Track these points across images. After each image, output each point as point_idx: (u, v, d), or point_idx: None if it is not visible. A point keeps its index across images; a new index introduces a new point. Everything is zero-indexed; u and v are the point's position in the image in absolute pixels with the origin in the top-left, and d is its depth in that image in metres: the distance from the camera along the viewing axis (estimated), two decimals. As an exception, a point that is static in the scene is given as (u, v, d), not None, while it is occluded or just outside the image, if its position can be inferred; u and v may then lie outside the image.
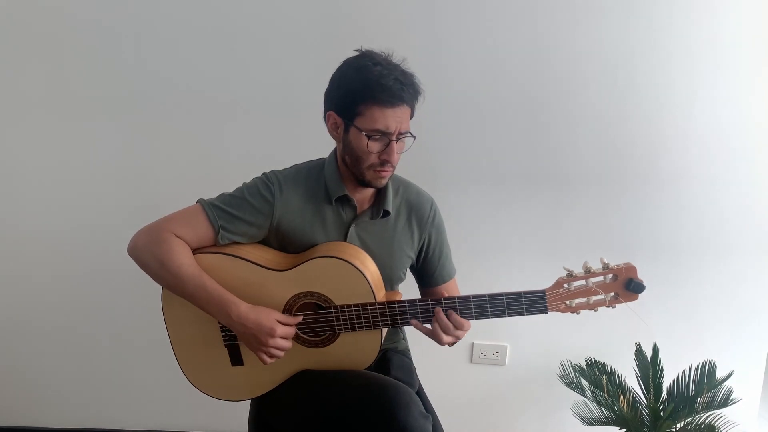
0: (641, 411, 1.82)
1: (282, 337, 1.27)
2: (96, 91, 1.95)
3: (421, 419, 1.20)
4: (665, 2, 1.82)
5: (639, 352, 1.87)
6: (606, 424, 1.84)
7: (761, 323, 2.02)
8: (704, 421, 1.74)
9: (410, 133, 1.29)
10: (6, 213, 2.05)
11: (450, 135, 1.94)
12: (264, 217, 1.32)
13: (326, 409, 1.28)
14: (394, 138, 1.25)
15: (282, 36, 1.89)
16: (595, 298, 1.29)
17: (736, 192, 1.93)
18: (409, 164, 1.46)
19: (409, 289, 1.50)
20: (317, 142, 1.48)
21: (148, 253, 1.26)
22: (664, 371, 1.83)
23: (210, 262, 1.29)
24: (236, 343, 1.35)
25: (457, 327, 1.29)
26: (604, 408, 1.83)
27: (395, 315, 1.31)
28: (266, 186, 1.33)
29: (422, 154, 1.60)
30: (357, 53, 1.29)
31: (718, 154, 1.91)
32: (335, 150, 1.38)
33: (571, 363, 1.96)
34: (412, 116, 1.30)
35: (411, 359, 1.55)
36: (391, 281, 1.43)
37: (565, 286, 1.28)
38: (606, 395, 1.82)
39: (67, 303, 2.12)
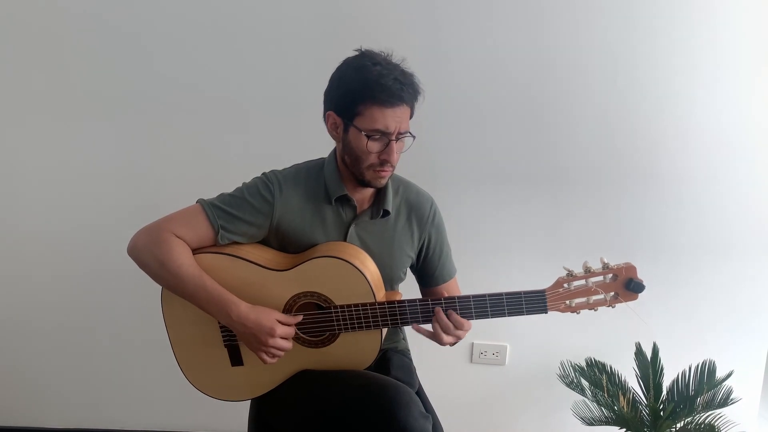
0: (641, 411, 1.82)
1: (282, 337, 1.27)
2: (96, 91, 1.95)
3: (421, 419, 1.20)
4: (666, 2, 1.82)
5: (639, 352, 1.87)
6: (606, 424, 1.84)
7: (761, 323, 2.02)
8: (704, 421, 1.74)
9: (410, 133, 1.29)
10: (6, 213, 2.05)
11: (450, 135, 1.94)
12: (264, 217, 1.32)
13: (326, 409, 1.28)
14: (393, 138, 1.25)
15: (282, 35, 1.89)
16: (595, 297, 1.29)
17: (736, 192, 1.93)
18: (409, 164, 1.46)
19: (409, 289, 1.50)
20: (317, 142, 1.48)
21: (147, 253, 1.26)
22: (664, 371, 1.83)
23: (210, 262, 1.29)
24: (236, 343, 1.35)
25: (458, 327, 1.29)
26: (604, 408, 1.83)
27: (395, 315, 1.31)
28: (266, 186, 1.33)
29: (422, 154, 1.60)
30: (356, 53, 1.29)
31: (718, 154, 1.91)
32: (335, 150, 1.38)
33: (571, 363, 1.96)
34: (411, 116, 1.30)
35: (411, 359, 1.55)
36: (391, 281, 1.43)
37: (565, 285, 1.28)
38: (606, 395, 1.82)
39: (67, 303, 2.12)
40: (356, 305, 1.30)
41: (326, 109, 1.32)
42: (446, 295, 1.35)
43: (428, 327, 1.33)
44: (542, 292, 1.28)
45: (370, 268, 1.33)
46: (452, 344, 1.33)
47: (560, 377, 1.95)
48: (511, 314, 1.29)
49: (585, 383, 1.90)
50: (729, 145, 1.90)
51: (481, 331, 2.02)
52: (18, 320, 2.14)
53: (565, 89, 1.90)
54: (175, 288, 1.28)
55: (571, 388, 1.92)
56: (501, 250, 2.02)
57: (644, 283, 1.26)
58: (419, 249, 1.45)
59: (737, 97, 1.87)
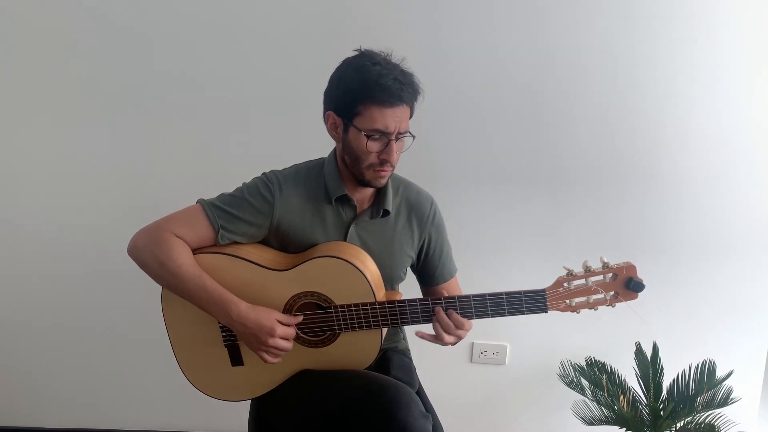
0: (641, 410, 1.82)
1: (282, 337, 1.27)
2: (96, 91, 1.95)
3: (421, 419, 1.20)
4: (665, 2, 1.82)
5: (639, 352, 1.87)
6: (606, 424, 1.84)
7: (761, 323, 2.02)
8: (704, 421, 1.74)
9: (410, 133, 1.29)
10: (6, 213, 2.05)
11: (450, 135, 1.94)
12: (264, 216, 1.32)
13: (326, 409, 1.28)
14: (393, 138, 1.25)
15: (282, 35, 1.89)
16: (595, 297, 1.29)
17: (736, 192, 1.93)
18: (409, 164, 1.46)
19: (409, 288, 1.50)
20: (317, 142, 1.48)
21: (147, 253, 1.26)
22: (664, 370, 1.83)
23: (210, 262, 1.29)
24: (236, 343, 1.35)
25: (458, 326, 1.29)
26: (604, 407, 1.83)
27: (395, 315, 1.31)
28: (266, 186, 1.33)
29: (422, 154, 1.60)
30: (356, 53, 1.29)
31: (718, 154, 1.91)
32: (335, 150, 1.38)
33: (571, 362, 1.96)
34: (411, 116, 1.30)
35: (411, 359, 1.55)
36: (391, 281, 1.43)
37: (565, 285, 1.28)
38: (606, 395, 1.82)
39: (67, 303, 2.12)
40: (356, 305, 1.30)
41: (326, 109, 1.32)
42: (447, 294, 1.35)
43: (429, 330, 1.33)
44: (542, 291, 1.28)
45: (370, 267, 1.33)
46: (454, 344, 1.33)
47: (560, 377, 1.95)
48: (511, 314, 1.29)
49: (585, 383, 1.90)
50: (729, 145, 1.90)
51: (481, 330, 2.02)
52: (18, 320, 2.14)
53: (565, 89, 1.90)
54: (175, 288, 1.28)
55: (571, 387, 1.92)
56: (501, 250, 2.02)
57: (644, 283, 1.26)
58: (419, 249, 1.45)
59: (737, 97, 1.87)
